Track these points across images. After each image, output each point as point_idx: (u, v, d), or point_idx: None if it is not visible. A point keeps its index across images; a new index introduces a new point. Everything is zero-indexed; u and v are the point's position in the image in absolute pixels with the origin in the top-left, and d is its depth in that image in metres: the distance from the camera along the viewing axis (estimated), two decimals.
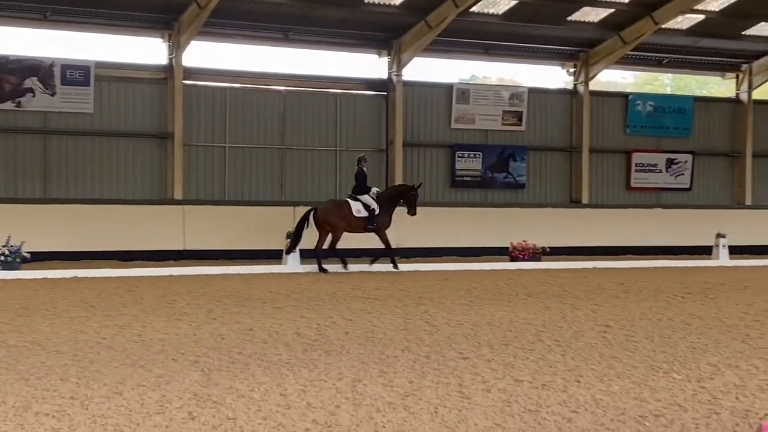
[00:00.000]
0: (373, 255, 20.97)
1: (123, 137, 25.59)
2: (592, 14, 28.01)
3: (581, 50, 29.60)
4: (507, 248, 23.45)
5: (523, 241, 23.36)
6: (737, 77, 32.17)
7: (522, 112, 29.17)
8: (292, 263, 21.09)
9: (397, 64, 27.56)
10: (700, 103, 31.90)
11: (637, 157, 30.65)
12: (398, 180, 27.44)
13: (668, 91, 36.33)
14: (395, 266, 20.48)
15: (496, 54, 29.59)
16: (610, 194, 30.50)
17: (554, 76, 31.20)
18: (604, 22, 28.26)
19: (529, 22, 27.68)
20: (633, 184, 30.68)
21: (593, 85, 30.39)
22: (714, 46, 30.58)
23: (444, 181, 28.74)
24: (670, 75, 35.37)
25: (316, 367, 8.13)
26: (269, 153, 27.17)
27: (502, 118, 28.99)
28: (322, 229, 20.52)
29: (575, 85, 30.07)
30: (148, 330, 10.51)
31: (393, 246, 21.32)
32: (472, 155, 28.70)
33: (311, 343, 9.62)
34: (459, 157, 28.56)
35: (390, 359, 8.62)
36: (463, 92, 28.78)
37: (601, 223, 28.55)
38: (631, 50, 29.10)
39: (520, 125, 29.21)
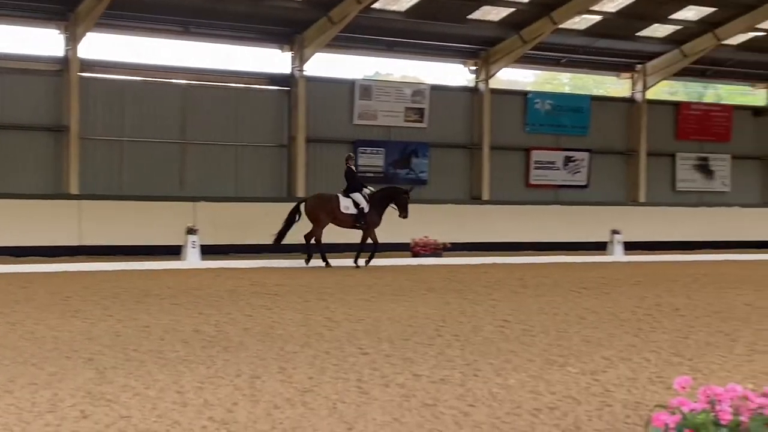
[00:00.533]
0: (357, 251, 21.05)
1: (17, 130, 24.86)
2: (493, 13, 28.34)
3: (482, 49, 29.91)
4: (409, 244, 23.58)
5: (425, 236, 23.52)
6: (632, 77, 32.93)
7: (424, 109, 29.36)
8: (192, 258, 20.85)
9: (300, 59, 27.44)
10: (596, 103, 32.56)
11: (536, 155, 31.13)
12: (300, 176, 27.38)
13: (566, 90, 36.95)
14: (368, 262, 20.80)
15: (399, 51, 29.71)
16: (509, 191, 30.89)
17: (456, 74, 31.50)
18: (504, 21, 28.62)
19: (431, 20, 27.85)
20: (532, 181, 31.15)
21: (494, 83, 30.75)
22: (610, 47, 31.25)
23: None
24: (568, 74, 36.00)
25: (214, 364, 8.05)
26: (169, 147, 26.76)
27: (405, 114, 29.13)
28: (314, 220, 20.80)
29: (476, 83, 30.38)
30: (41, 327, 10.26)
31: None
32: (374, 151, 28.76)
33: (209, 339, 9.51)
34: (361, 153, 28.58)
35: (289, 355, 8.58)
36: (366, 88, 28.82)
37: (500, 220, 28.93)
38: (531, 49, 29.51)
39: (422, 122, 29.39)
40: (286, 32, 27.45)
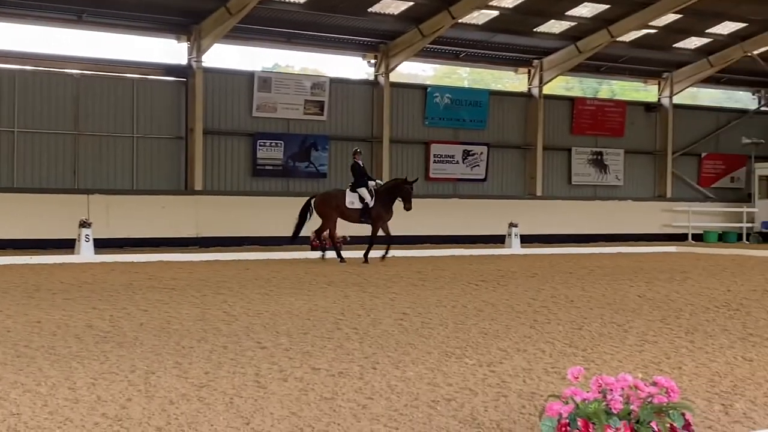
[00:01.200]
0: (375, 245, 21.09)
1: None
2: (393, 6, 28.40)
3: (382, 42, 29.98)
4: (309, 237, 23.50)
5: None
6: (529, 72, 33.43)
7: (324, 101, 29.29)
8: (85, 252, 20.43)
9: (197, 50, 27.07)
10: (494, 97, 32.96)
11: (435, 148, 31.36)
12: (198, 168, 27.04)
13: (465, 84, 37.31)
14: (383, 257, 20.78)
15: (299, 43, 29.57)
16: None
17: (357, 67, 31.51)
18: (403, 15, 28.72)
19: (330, 12, 27.77)
20: (432, 175, 31.37)
21: (394, 77, 30.86)
22: (508, 42, 31.66)
23: (245, 170, 28.46)
24: (467, 69, 36.34)
25: (107, 360, 7.88)
26: (62, 139, 26.12)
27: (304, 107, 29.02)
28: (324, 216, 20.96)
29: (376, 76, 30.44)
30: None
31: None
32: (273, 144, 28.58)
33: (103, 335, 9.32)
34: (260, 145, 28.38)
35: (186, 350, 8.45)
36: (265, 80, 28.61)
37: (402, 213, 29.04)
38: (430, 43, 29.69)
39: (322, 115, 29.32)
40: (183, 22, 27.06)
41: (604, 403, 4.60)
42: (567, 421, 4.60)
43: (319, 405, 6.36)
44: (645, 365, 8.01)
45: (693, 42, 33.88)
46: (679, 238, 33.33)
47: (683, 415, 4.64)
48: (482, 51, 32.16)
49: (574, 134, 34.21)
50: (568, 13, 30.11)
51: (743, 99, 39.97)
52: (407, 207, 20.68)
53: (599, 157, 34.60)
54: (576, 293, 14.19)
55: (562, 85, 37.14)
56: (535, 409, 6.22)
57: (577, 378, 4.86)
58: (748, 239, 34.04)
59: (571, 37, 31.73)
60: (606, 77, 37.38)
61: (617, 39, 31.41)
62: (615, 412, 4.55)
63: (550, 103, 33.68)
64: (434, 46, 30.59)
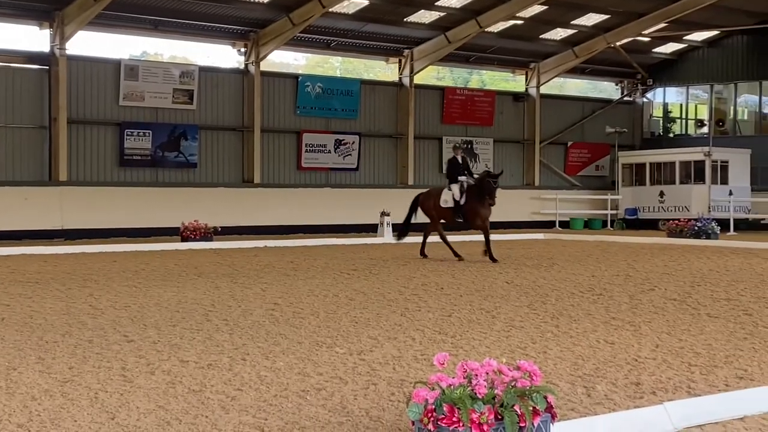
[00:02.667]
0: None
1: None
2: None
3: (252, 30, 29.71)
4: (179, 228, 23.18)
5: (195, 220, 23.17)
6: (400, 62, 33.65)
7: (193, 90, 28.85)
8: None
9: (61, 37, 26.27)
10: (366, 86, 33.06)
11: (307, 138, 31.27)
12: (62, 159, 26.31)
13: (338, 73, 37.36)
14: (491, 258, 18.43)
15: (166, 30, 29.05)
16: (282, 174, 30.91)
17: (228, 56, 31.15)
18: (273, 3, 28.51)
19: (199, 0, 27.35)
20: (304, 164, 31.27)
21: (265, 66, 30.62)
22: (378, 31, 31.79)
23: (112, 160, 27.79)
24: (339, 58, 36.37)
25: None
26: None
27: (173, 96, 28.52)
28: (428, 214, 19.62)
29: (246, 65, 30.15)
30: None
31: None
32: (141, 134, 28.00)
33: None
34: (128, 135, 27.77)
35: (49, 345, 8.21)
36: (132, 68, 27.99)
37: (273, 203, 28.97)
38: (301, 32, 29.58)
39: (191, 104, 28.88)
40: (46, 8, 26.23)
41: (470, 388, 4.66)
42: (433, 406, 4.64)
43: (187, 398, 6.27)
44: (512, 350, 8.17)
45: (559, 33, 34.71)
46: (547, 225, 34.14)
47: (546, 397, 4.74)
48: (353, 40, 32.23)
49: (445, 123, 34.62)
50: (438, 3, 30.44)
51: (607, 89, 41.19)
52: (491, 203, 18.66)
53: (470, 146, 35.11)
54: (446, 281, 14.37)
55: (433, 75, 37.58)
56: (404, 395, 6.26)
57: (443, 364, 4.91)
58: (612, 226, 35.11)
59: (440, 27, 32.07)
60: (476, 67, 37.97)
61: (486, 29, 31.90)
62: (480, 396, 4.62)
63: (421, 92, 33.98)
64: (305, 35, 30.50)
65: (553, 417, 4.81)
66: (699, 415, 5.85)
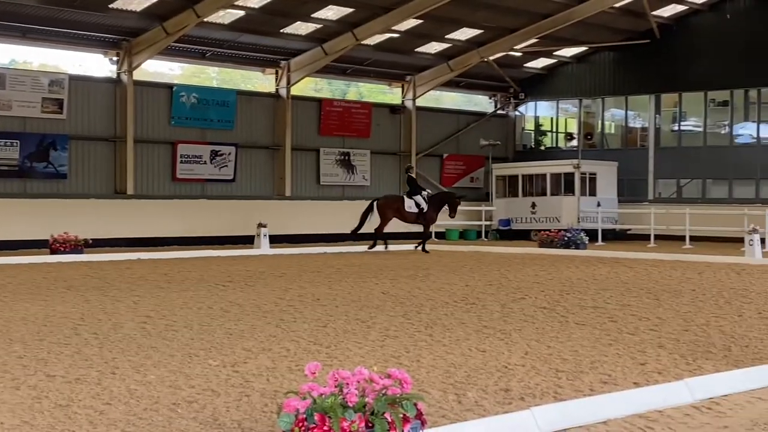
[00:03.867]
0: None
1: None
2: (135, 3, 27.68)
3: (124, 39, 29.17)
4: (47, 240, 22.57)
5: (65, 233, 22.61)
6: (277, 73, 33.55)
7: (63, 99, 28.14)
8: None
9: None
10: (242, 97, 32.82)
11: (182, 149, 30.82)
12: None
13: (214, 83, 36.96)
14: (424, 249, 25.79)
15: (36, 38, 28.27)
16: (156, 185, 30.39)
17: (100, 65, 30.48)
18: (147, 12, 28.05)
19: (69, 7, 26.66)
20: (179, 176, 30.82)
21: (139, 75, 30.10)
22: (255, 42, 31.63)
23: None
24: (216, 68, 36.02)
25: None
26: None
27: (42, 105, 27.75)
28: (383, 216, 25.83)
29: (119, 74, 29.57)
30: None
31: None
32: (8, 143, 27.09)
33: None
34: None
35: None
36: None
37: (146, 214, 28.48)
38: (176, 42, 29.18)
39: (62, 113, 28.15)
40: None
41: (341, 397, 4.68)
42: (304, 416, 4.65)
43: (54, 412, 6.12)
44: (386, 359, 8.23)
45: (434, 47, 35.19)
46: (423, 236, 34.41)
47: (416, 405, 4.80)
48: (229, 51, 31.98)
49: (322, 135, 34.65)
50: (314, 15, 30.47)
51: (482, 102, 41.92)
52: (452, 215, 26.34)
53: (347, 158, 35.24)
54: (323, 291, 14.39)
55: (311, 87, 37.58)
56: (277, 406, 6.24)
57: (315, 373, 4.93)
58: (486, 236, 35.71)
59: (317, 39, 32.12)
60: (353, 79, 38.16)
61: (362, 42, 32.10)
62: (351, 405, 4.65)
63: (298, 103, 33.94)
64: (180, 45, 30.11)
65: (423, 424, 4.87)
66: (564, 419, 6.01)
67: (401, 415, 4.69)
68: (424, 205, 25.90)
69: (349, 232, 26.45)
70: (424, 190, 26.72)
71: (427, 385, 7.09)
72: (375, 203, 26.11)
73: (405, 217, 26.17)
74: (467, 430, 5.60)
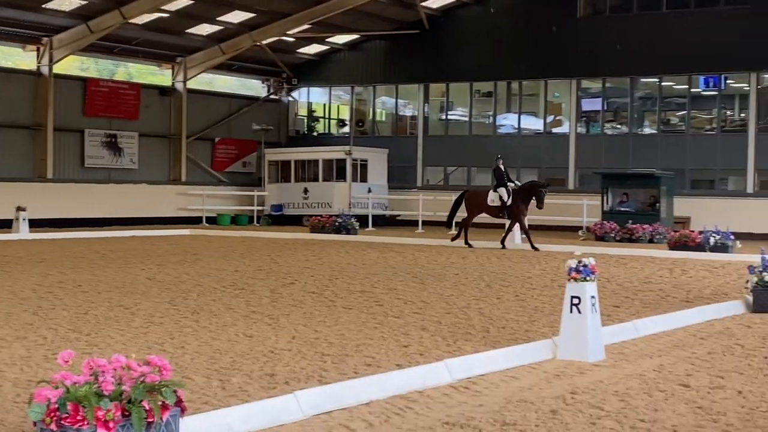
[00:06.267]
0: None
1: None
2: None
3: None
4: None
5: None
6: (38, 50, 32.02)
7: None
8: None
9: None
10: (1, 74, 31.15)
11: None
12: None
13: None
14: (503, 244, 23.14)
15: None
16: None
17: None
18: None
19: None
20: None
21: None
22: (15, 17, 30.05)
23: None
24: None
25: None
26: None
27: None
28: (468, 209, 24.07)
29: None
30: None
31: None
32: None
33: None
34: None
35: None
36: None
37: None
38: None
39: None
40: None
41: (96, 386, 4.51)
42: (56, 405, 4.45)
43: None
44: (149, 346, 8.04)
45: (205, 29, 34.64)
46: (194, 221, 33.95)
47: (175, 392, 4.69)
48: None
49: (88, 116, 33.39)
50: None
51: (255, 87, 41.65)
52: (539, 206, 23.06)
53: (114, 140, 34.13)
54: (85, 278, 13.90)
55: (77, 65, 36.11)
56: (29, 397, 5.95)
57: (68, 362, 4.72)
58: (258, 222, 35.59)
59: (82, 16, 30.90)
60: (121, 59, 36.96)
61: (130, 21, 31.15)
62: (106, 393, 4.48)
63: (61, 82, 32.53)
64: None
65: (183, 410, 4.78)
66: (327, 402, 6.06)
67: (160, 403, 4.57)
68: (506, 198, 23.38)
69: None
70: (512, 182, 24.05)
71: (191, 372, 6.97)
72: (464, 194, 24.61)
73: (488, 211, 23.98)
74: (230, 415, 5.54)
